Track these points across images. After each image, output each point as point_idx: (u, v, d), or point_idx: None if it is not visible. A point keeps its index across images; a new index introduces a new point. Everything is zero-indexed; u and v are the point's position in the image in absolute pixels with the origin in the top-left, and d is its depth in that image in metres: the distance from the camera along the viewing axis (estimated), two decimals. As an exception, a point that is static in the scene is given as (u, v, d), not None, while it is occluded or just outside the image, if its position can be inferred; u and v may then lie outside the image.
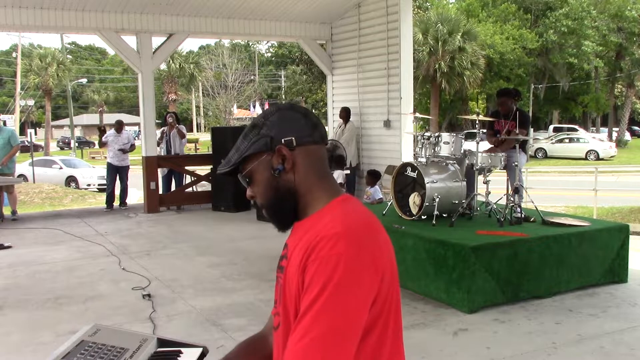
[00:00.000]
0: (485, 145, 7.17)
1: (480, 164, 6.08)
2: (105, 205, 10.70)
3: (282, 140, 1.32)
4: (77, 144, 42.92)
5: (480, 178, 6.31)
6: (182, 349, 1.79)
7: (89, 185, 21.50)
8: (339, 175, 9.14)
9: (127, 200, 10.90)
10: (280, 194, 1.34)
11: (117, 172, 10.57)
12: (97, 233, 8.40)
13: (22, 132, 39.47)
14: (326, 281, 1.15)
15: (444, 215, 5.97)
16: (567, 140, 32.39)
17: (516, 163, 6.37)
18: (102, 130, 11.30)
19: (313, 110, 51.69)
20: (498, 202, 6.16)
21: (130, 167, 11.06)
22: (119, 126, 10.55)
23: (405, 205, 6.12)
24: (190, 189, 10.98)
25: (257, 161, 1.34)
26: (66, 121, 51.31)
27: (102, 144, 10.91)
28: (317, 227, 1.25)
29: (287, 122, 1.35)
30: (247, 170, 1.36)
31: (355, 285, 1.16)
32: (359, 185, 10.13)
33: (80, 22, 9.29)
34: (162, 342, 1.82)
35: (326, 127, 12.12)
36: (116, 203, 10.85)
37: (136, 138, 15.41)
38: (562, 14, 33.30)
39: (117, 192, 10.93)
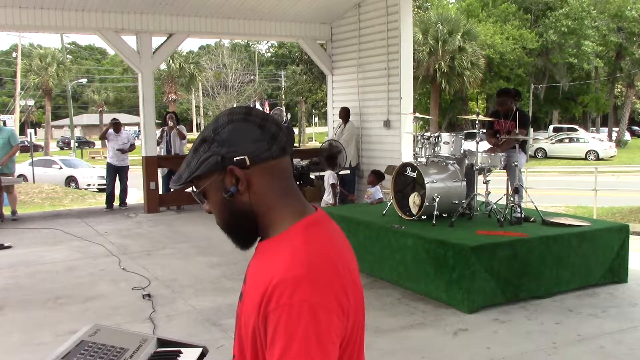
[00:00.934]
0: (485, 145, 7.17)
1: (480, 164, 6.08)
2: (105, 205, 10.70)
3: (234, 159, 1.18)
4: (77, 144, 42.92)
5: (480, 178, 6.31)
6: (182, 349, 1.79)
7: (88, 185, 21.50)
8: (330, 176, 9.13)
9: (127, 200, 10.90)
10: (235, 216, 1.23)
11: (116, 172, 10.56)
12: (97, 233, 8.40)
13: (22, 132, 39.46)
14: (291, 333, 1.05)
15: (444, 215, 5.97)
16: (567, 140, 32.41)
17: (516, 163, 6.37)
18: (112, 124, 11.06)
19: (313, 111, 51.68)
20: (498, 202, 6.16)
21: (130, 167, 11.06)
22: (116, 126, 10.49)
23: (405, 205, 6.12)
24: (190, 189, 10.95)
25: (208, 180, 1.22)
26: (66, 121, 51.33)
27: (102, 137, 10.87)
28: (277, 260, 1.15)
29: (240, 137, 1.19)
30: (199, 188, 1.25)
31: (322, 334, 1.07)
32: (359, 185, 10.14)
33: (80, 22, 9.29)
34: (162, 342, 1.82)
35: (326, 127, 12.12)
36: (116, 203, 10.85)
37: (136, 138, 15.41)
38: (562, 14, 33.32)
39: (117, 192, 10.93)
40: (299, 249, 1.15)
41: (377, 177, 8.79)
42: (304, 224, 1.20)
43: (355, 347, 1.21)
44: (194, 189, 1.27)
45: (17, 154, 9.82)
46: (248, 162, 1.18)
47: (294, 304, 1.07)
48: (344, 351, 1.16)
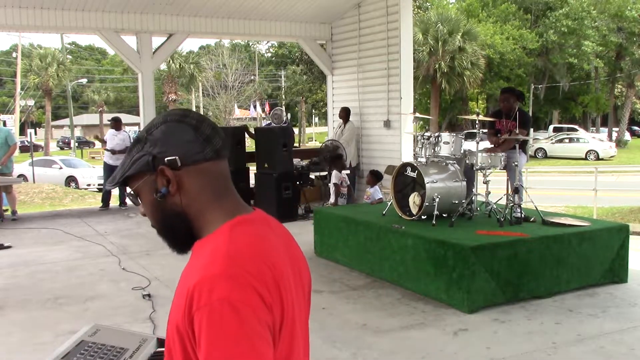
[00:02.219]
0: (485, 145, 7.17)
1: (480, 164, 6.08)
2: (101, 204, 10.67)
3: (165, 159, 1.18)
4: (77, 144, 42.92)
5: (480, 178, 6.31)
6: (182, 349, 1.79)
7: (88, 185, 21.48)
8: (334, 177, 9.11)
9: (126, 200, 10.89)
10: (168, 218, 1.23)
11: (112, 171, 10.52)
12: (97, 233, 8.40)
13: (22, 132, 39.49)
14: (215, 333, 1.04)
15: (444, 215, 5.97)
16: (567, 140, 32.40)
17: (516, 163, 6.37)
18: (98, 138, 11.28)
19: (313, 111, 51.64)
20: (498, 202, 6.16)
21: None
22: (115, 123, 10.43)
23: (405, 205, 6.12)
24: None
25: (140, 181, 1.22)
26: (66, 121, 51.31)
27: (103, 142, 10.86)
28: (200, 261, 1.15)
29: (172, 138, 1.19)
30: (132, 189, 1.24)
31: (247, 329, 1.04)
32: (359, 185, 10.13)
33: (80, 22, 9.29)
34: (162, 342, 1.82)
35: (326, 127, 12.11)
36: (115, 203, 10.84)
37: (136, 138, 15.38)
38: (562, 14, 33.33)
39: (116, 192, 10.92)
40: (220, 247, 1.14)
41: (375, 177, 8.79)
42: (231, 223, 1.19)
43: (286, 342, 1.16)
44: (128, 190, 1.26)
45: (17, 153, 9.81)
46: (179, 163, 1.18)
47: (214, 303, 1.05)
48: (275, 347, 1.13)
